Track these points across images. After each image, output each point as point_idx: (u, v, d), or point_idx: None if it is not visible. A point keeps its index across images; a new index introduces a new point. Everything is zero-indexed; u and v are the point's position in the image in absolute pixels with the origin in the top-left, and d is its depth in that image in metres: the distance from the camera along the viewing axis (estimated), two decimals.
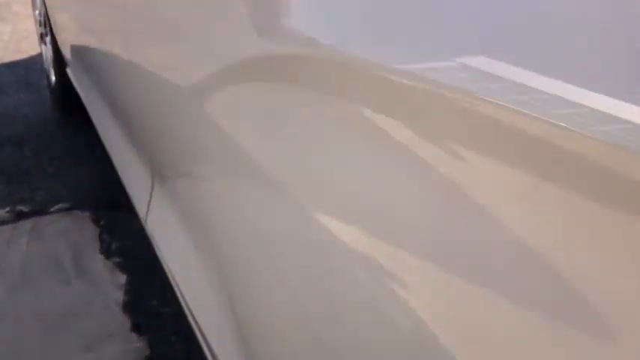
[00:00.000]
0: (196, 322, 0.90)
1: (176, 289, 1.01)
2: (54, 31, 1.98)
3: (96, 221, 1.69)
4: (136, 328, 1.35)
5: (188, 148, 0.87)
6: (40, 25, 2.28)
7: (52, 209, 1.73)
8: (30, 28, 3.11)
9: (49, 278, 1.47)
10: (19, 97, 2.37)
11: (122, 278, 1.49)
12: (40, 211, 1.72)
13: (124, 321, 1.37)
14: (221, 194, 0.78)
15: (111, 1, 1.11)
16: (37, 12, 2.35)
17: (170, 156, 0.95)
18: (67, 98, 2.15)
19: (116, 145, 1.30)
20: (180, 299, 0.99)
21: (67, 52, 1.88)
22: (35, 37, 2.96)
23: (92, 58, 1.47)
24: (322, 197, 0.49)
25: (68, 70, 1.96)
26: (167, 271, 1.04)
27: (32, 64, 2.68)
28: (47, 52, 2.25)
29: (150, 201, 1.04)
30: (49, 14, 1.98)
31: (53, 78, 2.19)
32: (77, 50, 1.70)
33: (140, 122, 1.02)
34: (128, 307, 1.41)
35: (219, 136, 0.74)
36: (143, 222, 1.07)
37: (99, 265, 1.52)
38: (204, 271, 0.91)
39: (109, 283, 1.47)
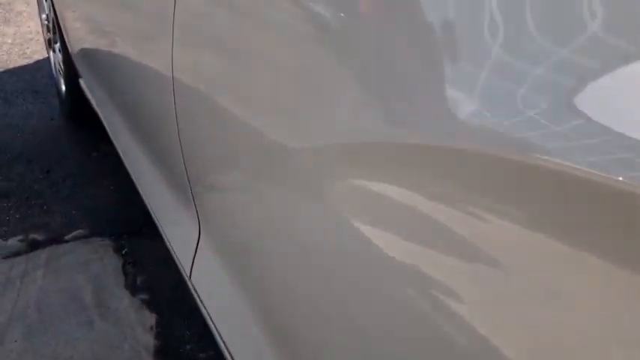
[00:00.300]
0: None
1: (217, 336, 0.87)
2: (65, 37, 1.81)
3: (117, 250, 1.54)
4: None
5: (251, 193, 0.72)
6: (49, 31, 2.12)
7: (68, 237, 1.58)
8: (35, 29, 2.94)
9: (69, 319, 1.33)
10: (26, 107, 2.21)
11: (151, 318, 1.34)
12: (55, 239, 1.57)
13: None
14: (289, 250, 0.65)
15: (145, 8, 0.95)
16: (43, 16, 2.18)
17: (225, 200, 0.80)
18: (79, 110, 1.99)
19: (148, 179, 1.15)
20: (221, 344, 0.86)
21: (80, 62, 1.72)
22: (41, 39, 2.79)
23: (114, 72, 1.31)
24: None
25: (81, 82, 1.80)
26: (209, 321, 0.89)
27: (39, 69, 2.52)
28: (56, 59, 2.09)
29: (196, 252, 0.89)
30: (59, 19, 1.82)
31: (63, 88, 2.03)
32: (93, 60, 1.54)
33: (182, 154, 0.86)
34: (160, 353, 1.26)
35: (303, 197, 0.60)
36: (186, 275, 0.92)
37: (124, 302, 1.37)
38: (254, 325, 0.78)
39: (137, 325, 1.32)
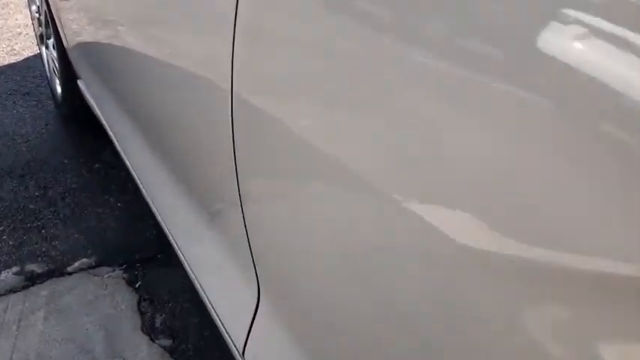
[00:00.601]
0: None
1: None
2: (60, 32, 1.57)
3: (130, 283, 1.31)
4: None
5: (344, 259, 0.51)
6: (40, 25, 1.87)
7: (71, 267, 1.35)
8: (23, 22, 2.69)
9: None
10: (16, 111, 1.97)
11: None
12: (56, 270, 1.34)
13: None
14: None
15: None
16: (33, 7, 1.94)
17: (302, 261, 0.58)
18: (77, 115, 1.76)
19: (177, 215, 0.92)
20: None
21: (78, 60, 1.49)
22: (31, 33, 2.55)
23: (125, 74, 1.09)
24: None
25: (80, 83, 1.56)
26: None
27: (30, 68, 2.27)
28: (50, 57, 1.84)
29: (253, 323, 0.67)
30: (53, 10, 1.57)
31: (59, 89, 1.79)
32: (96, 59, 1.31)
33: (239, 193, 0.64)
34: None
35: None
36: (237, 351, 0.70)
37: (142, 351, 1.15)
38: None
39: None
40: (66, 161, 1.72)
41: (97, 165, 1.71)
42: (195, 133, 0.76)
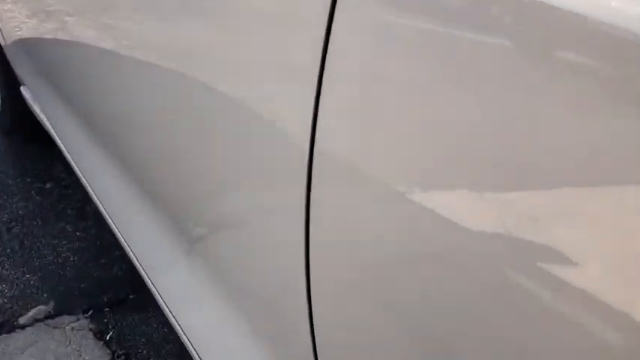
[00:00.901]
0: None
1: None
2: None
3: (100, 335, 1.08)
4: None
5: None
6: None
7: (24, 319, 1.11)
8: None
9: None
10: None
11: None
12: (5, 323, 1.10)
13: None
14: None
15: None
16: None
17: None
18: (22, 124, 1.50)
19: (153, 246, 0.73)
20: None
21: (20, 64, 1.23)
22: None
23: (74, 74, 0.87)
24: None
25: (24, 90, 1.30)
26: None
27: None
28: None
29: None
30: None
31: None
32: (40, 59, 1.07)
33: (307, 279, 0.44)
34: None
35: None
36: None
37: None
38: None
39: None
40: (10, 182, 1.46)
41: (48, 185, 1.45)
42: (204, 142, 0.56)
